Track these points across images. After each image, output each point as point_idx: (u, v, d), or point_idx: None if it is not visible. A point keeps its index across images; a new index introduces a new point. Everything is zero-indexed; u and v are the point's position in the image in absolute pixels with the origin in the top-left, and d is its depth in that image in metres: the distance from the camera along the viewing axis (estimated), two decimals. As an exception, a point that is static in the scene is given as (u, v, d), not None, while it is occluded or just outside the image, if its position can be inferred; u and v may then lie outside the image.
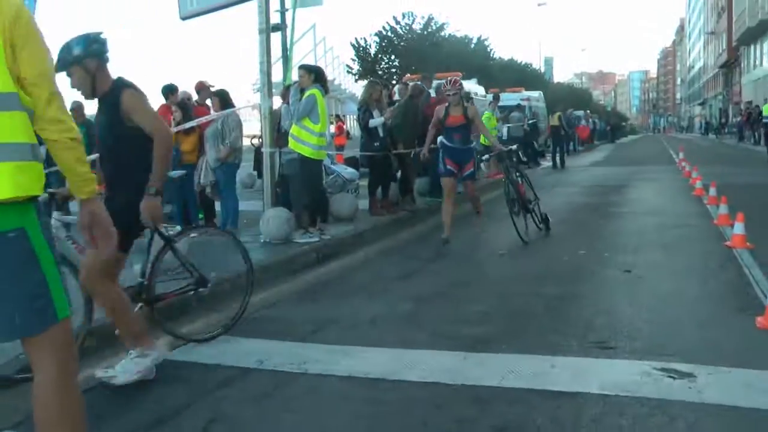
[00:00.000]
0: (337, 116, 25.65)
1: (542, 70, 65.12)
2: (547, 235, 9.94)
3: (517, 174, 10.26)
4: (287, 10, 16.80)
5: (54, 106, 2.68)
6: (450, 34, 45.05)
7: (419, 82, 14.22)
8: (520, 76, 47.24)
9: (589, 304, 6.15)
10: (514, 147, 11.45)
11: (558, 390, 4.19)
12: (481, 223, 10.43)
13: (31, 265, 2.66)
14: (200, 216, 10.30)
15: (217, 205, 10.43)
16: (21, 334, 2.74)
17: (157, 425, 4.06)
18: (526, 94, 30.05)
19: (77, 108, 11.47)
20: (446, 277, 7.50)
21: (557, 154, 25.38)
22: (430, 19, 44.47)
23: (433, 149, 10.10)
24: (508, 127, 23.03)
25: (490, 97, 22.43)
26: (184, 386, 4.61)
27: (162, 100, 11.54)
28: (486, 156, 11.05)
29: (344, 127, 24.55)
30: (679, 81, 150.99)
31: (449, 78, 10.14)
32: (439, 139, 9.92)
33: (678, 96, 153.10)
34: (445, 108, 9.57)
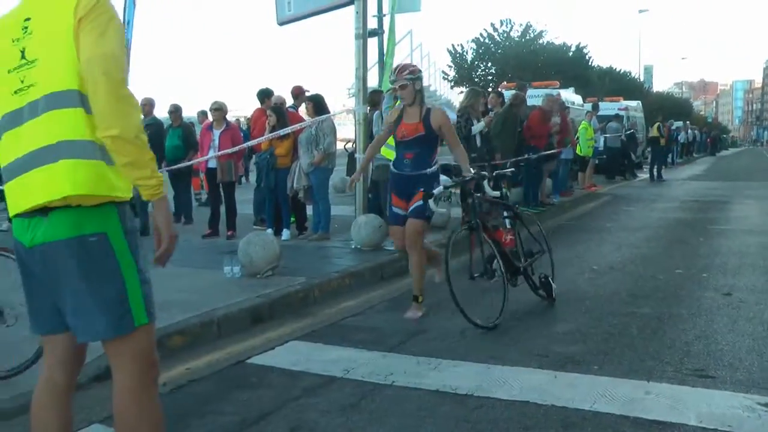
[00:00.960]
0: (431, 122, 25.62)
1: (641, 78, 63.45)
2: (551, 305, 6.75)
3: (506, 216, 6.87)
4: (385, 15, 16.93)
5: (98, 98, 2.55)
6: (548, 42, 44.51)
7: (518, 91, 14.04)
8: (618, 85, 46.22)
9: (686, 328, 5.89)
10: (483, 174, 6.89)
11: (652, 419, 4.00)
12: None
13: (110, 271, 2.65)
14: (292, 220, 10.42)
15: (309, 209, 10.53)
16: (98, 338, 2.74)
17: (240, 429, 4.09)
18: (624, 103, 29.31)
19: (147, 104, 11.48)
20: (538, 291, 7.33)
21: (655, 166, 24.70)
22: (528, 26, 44.07)
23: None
24: (605, 137, 22.57)
25: (588, 106, 22.01)
26: (268, 392, 4.64)
27: (258, 104, 11.78)
28: (442, 187, 6.47)
29: (437, 133, 24.52)
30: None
31: (399, 64, 6.90)
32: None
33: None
34: (400, 111, 6.60)
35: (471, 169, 6.68)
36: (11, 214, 2.73)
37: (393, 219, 6.71)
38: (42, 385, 2.89)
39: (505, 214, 6.88)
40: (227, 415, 4.27)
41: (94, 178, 2.59)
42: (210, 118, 11.35)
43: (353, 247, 8.99)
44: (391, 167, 6.75)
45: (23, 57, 2.64)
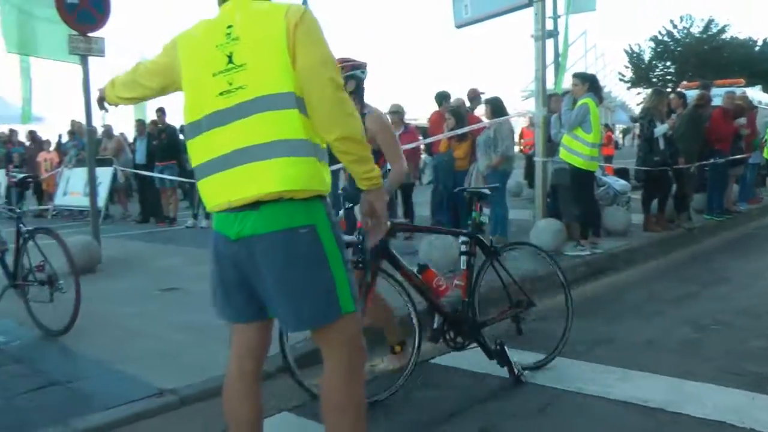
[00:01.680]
0: (606, 125, 25.02)
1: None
2: (515, 382, 4.84)
3: (462, 252, 4.98)
4: (560, 16, 16.69)
5: (323, 102, 2.71)
6: (732, 37, 42.32)
7: (703, 90, 13.43)
8: (812, 82, 43.20)
9: None
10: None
11: None
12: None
13: (319, 262, 2.78)
14: (469, 222, 10.46)
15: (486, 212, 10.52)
16: (307, 326, 2.93)
17: (427, 428, 4.18)
18: (821, 103, 27.20)
19: None
20: (727, 304, 6.98)
21: None
22: (710, 21, 42.15)
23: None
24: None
25: (779, 106, 20.67)
26: (454, 392, 4.70)
27: (436, 107, 11.92)
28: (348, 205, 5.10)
29: (612, 136, 23.82)
30: None
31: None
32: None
33: None
34: None
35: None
36: (211, 206, 2.90)
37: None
38: (232, 373, 3.07)
39: (463, 249, 5.00)
40: (414, 413, 4.37)
41: (307, 174, 2.74)
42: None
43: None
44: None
45: (230, 61, 2.78)
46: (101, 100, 3.53)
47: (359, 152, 2.79)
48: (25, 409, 4.37)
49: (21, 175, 7.52)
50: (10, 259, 6.47)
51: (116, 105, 3.51)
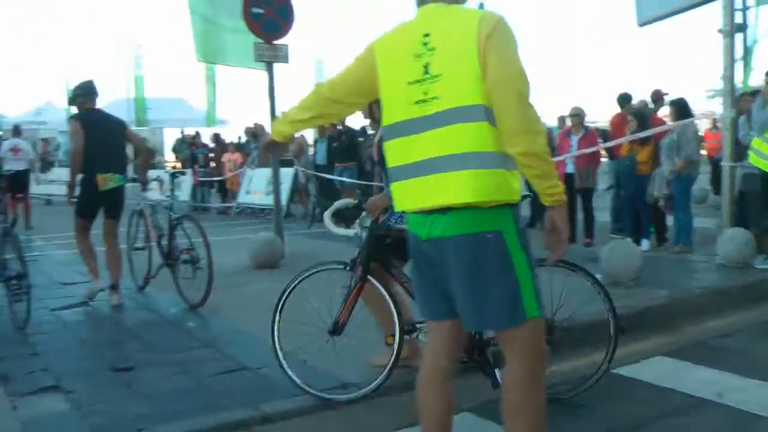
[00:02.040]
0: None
1: None
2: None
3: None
4: (749, 7, 15.72)
5: (509, 117, 2.72)
6: None
7: None
8: None
9: None
10: None
11: None
12: None
13: (505, 266, 2.82)
14: (651, 230, 10.16)
15: (670, 220, 10.19)
16: (488, 327, 3.03)
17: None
18: None
19: None
20: None
21: None
22: None
23: None
24: None
25: None
26: (636, 406, 4.56)
27: (617, 109, 11.62)
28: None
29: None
30: None
31: None
32: None
33: None
34: None
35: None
36: (403, 208, 3.05)
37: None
38: (427, 369, 3.17)
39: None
40: (591, 425, 4.29)
41: (494, 186, 2.78)
42: (568, 123, 11.43)
43: (718, 262, 8.53)
44: None
45: (426, 72, 2.84)
46: (267, 146, 3.62)
47: (542, 168, 2.79)
48: (215, 391, 4.70)
49: (173, 171, 8.68)
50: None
51: (282, 140, 3.52)
